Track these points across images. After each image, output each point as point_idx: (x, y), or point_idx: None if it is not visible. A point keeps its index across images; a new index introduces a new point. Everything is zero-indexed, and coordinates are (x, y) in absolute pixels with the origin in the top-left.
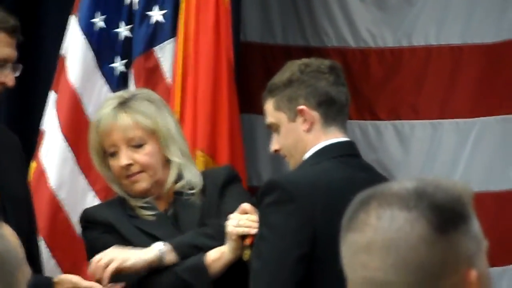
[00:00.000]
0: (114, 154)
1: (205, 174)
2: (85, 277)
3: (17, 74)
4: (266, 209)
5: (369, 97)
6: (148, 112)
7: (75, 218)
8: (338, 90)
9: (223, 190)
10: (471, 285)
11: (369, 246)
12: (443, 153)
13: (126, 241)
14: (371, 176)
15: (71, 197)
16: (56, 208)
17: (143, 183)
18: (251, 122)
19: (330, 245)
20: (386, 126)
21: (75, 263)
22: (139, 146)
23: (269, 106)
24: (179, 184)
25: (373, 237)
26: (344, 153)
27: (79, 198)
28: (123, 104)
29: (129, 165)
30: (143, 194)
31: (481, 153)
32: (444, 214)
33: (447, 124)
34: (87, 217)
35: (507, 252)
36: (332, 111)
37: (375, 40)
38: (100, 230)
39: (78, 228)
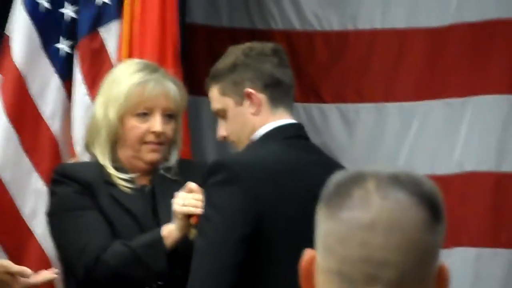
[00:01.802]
0: (144, 116)
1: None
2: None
3: None
4: (211, 188)
5: (315, 80)
6: (180, 91)
7: (19, 200)
8: (283, 72)
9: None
10: (446, 274)
11: (373, 224)
12: (388, 137)
13: (97, 206)
14: (319, 159)
15: (15, 178)
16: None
17: (159, 155)
18: (197, 104)
19: (277, 226)
20: (331, 109)
21: (18, 245)
22: (170, 117)
23: (214, 92)
24: (166, 165)
25: (378, 215)
26: (292, 135)
27: (24, 179)
28: (164, 75)
29: (161, 133)
30: (149, 166)
31: (426, 137)
32: (438, 204)
33: (392, 107)
34: (65, 172)
35: (449, 235)
36: (278, 93)
37: (321, 23)
38: (76, 188)
39: (23, 209)
